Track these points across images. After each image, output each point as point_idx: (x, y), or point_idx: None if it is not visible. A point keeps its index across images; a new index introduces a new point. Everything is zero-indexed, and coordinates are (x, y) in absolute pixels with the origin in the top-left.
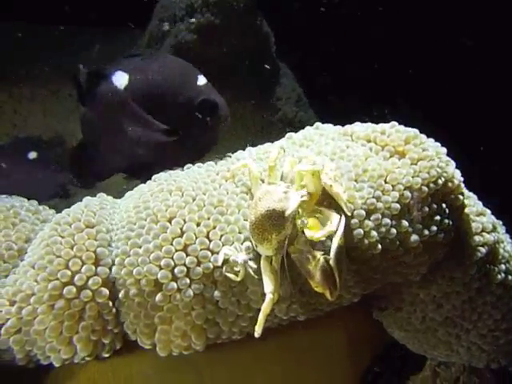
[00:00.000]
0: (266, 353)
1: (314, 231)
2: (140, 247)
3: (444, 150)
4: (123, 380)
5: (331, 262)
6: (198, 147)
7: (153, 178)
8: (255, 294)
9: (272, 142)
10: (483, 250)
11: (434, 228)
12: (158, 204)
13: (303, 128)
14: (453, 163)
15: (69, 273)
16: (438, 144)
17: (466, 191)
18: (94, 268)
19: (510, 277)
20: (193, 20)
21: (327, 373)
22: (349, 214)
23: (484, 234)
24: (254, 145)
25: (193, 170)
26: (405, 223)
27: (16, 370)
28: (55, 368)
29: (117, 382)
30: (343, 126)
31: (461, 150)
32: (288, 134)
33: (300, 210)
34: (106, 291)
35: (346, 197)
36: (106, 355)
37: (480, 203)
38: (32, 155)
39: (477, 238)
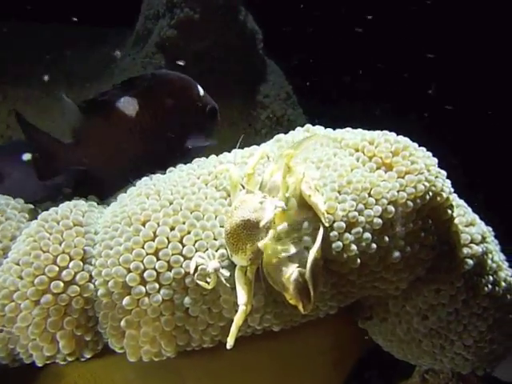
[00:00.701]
0: (252, 361)
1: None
2: (111, 249)
3: (434, 161)
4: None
5: (306, 275)
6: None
7: (136, 183)
8: (228, 302)
9: (260, 141)
10: (471, 262)
11: (417, 246)
12: (134, 207)
13: (292, 127)
14: (443, 174)
15: (56, 268)
16: (429, 154)
17: (456, 201)
18: (81, 264)
19: (497, 288)
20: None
21: (311, 379)
22: (326, 225)
23: (472, 245)
24: (241, 146)
25: (174, 172)
26: (386, 239)
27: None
28: (39, 373)
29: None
30: (332, 127)
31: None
32: (276, 137)
33: (276, 221)
34: (92, 286)
35: (325, 208)
36: (88, 356)
37: (470, 212)
38: (26, 157)
39: (465, 250)
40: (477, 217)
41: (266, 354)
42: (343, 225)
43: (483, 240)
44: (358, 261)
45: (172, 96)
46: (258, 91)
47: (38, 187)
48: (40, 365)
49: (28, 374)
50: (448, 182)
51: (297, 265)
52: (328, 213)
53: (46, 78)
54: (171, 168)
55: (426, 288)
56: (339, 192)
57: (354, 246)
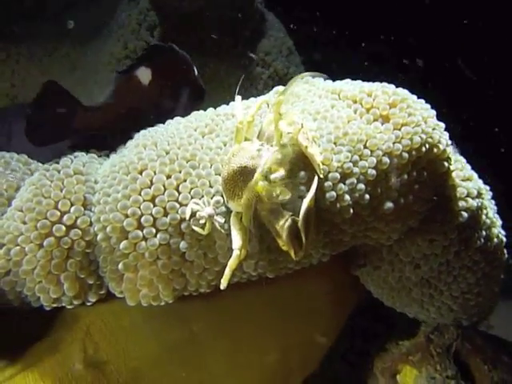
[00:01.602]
0: (254, 304)
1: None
2: (109, 196)
3: (433, 112)
4: (116, 330)
5: (299, 223)
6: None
7: (134, 135)
8: (222, 248)
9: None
10: (465, 215)
11: (411, 197)
12: (132, 157)
13: None
14: (441, 127)
15: (58, 213)
16: (428, 106)
17: (454, 155)
18: (82, 209)
19: (489, 243)
20: None
21: (311, 321)
22: (321, 176)
23: (468, 199)
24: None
25: (172, 124)
26: (379, 190)
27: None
28: (53, 321)
29: (109, 332)
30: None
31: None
32: (275, 89)
33: (273, 168)
34: (93, 231)
35: (321, 158)
36: (93, 299)
37: (468, 167)
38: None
39: (460, 203)
40: (475, 173)
41: (267, 296)
42: (337, 175)
43: (479, 195)
44: (351, 211)
45: (175, 73)
46: (258, 48)
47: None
48: (48, 307)
49: (43, 323)
50: (446, 135)
51: (290, 213)
52: (323, 164)
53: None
54: (169, 121)
55: (420, 238)
56: (335, 143)
57: (347, 197)
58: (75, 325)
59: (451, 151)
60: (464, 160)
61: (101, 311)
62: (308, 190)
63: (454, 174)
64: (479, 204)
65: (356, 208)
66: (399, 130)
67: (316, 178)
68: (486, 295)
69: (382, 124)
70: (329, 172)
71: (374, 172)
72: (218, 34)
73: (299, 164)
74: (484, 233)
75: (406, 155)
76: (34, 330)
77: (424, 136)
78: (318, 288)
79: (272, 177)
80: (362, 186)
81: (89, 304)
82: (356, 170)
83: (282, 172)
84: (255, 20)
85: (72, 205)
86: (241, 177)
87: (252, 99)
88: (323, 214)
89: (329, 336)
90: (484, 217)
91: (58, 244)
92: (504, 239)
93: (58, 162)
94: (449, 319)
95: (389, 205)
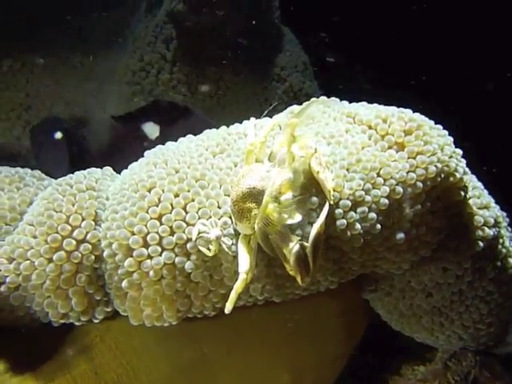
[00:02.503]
0: (266, 325)
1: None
2: (117, 213)
3: (450, 139)
4: (127, 350)
5: (307, 248)
6: None
7: (145, 153)
8: (229, 270)
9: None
10: (481, 244)
11: (424, 228)
12: (142, 175)
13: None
14: (458, 154)
15: (69, 227)
16: (445, 133)
17: (472, 182)
18: (93, 224)
19: (503, 274)
20: None
21: (324, 343)
22: (332, 202)
23: (484, 228)
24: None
25: (183, 142)
26: (392, 220)
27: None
28: (65, 339)
29: (120, 352)
30: (348, 100)
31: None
32: (289, 108)
33: (282, 190)
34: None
35: (333, 185)
36: (100, 316)
37: (486, 195)
38: (58, 135)
39: (476, 232)
40: (492, 200)
41: (279, 316)
42: (349, 203)
43: (496, 224)
44: (361, 240)
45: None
46: (274, 63)
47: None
48: (56, 323)
49: (54, 341)
50: (463, 163)
51: (299, 238)
52: (335, 190)
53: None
54: (181, 138)
55: (434, 266)
56: (348, 170)
57: (358, 225)
58: (86, 344)
59: (468, 179)
60: (482, 187)
61: (111, 330)
62: (318, 216)
63: (471, 202)
64: (495, 233)
65: (366, 237)
66: (414, 158)
67: (327, 204)
68: (498, 325)
69: (397, 152)
70: (340, 199)
71: (386, 201)
72: (235, 48)
73: (311, 189)
74: (499, 263)
75: (420, 185)
76: (44, 349)
77: (440, 165)
78: (330, 310)
79: (282, 198)
80: (373, 215)
81: (96, 321)
82: (368, 198)
83: (291, 194)
84: (272, 35)
85: (83, 220)
86: (250, 198)
87: (265, 119)
88: (333, 241)
89: (341, 358)
90: (500, 246)
91: (68, 258)
92: None
93: (71, 177)
94: (456, 347)
95: (400, 235)
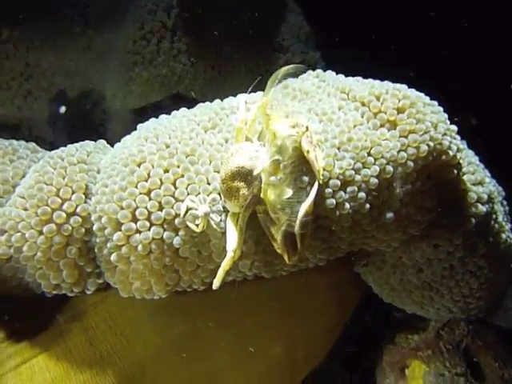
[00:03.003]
0: (257, 300)
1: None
2: (107, 187)
3: (444, 116)
4: (121, 322)
5: (295, 228)
6: None
7: (138, 126)
8: (217, 246)
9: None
10: (473, 221)
11: (413, 208)
12: (132, 149)
13: None
14: (452, 131)
15: (59, 200)
16: (439, 109)
17: (467, 158)
18: (83, 197)
19: (495, 249)
20: None
21: (314, 316)
22: (321, 182)
23: (478, 204)
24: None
25: (176, 116)
26: (381, 199)
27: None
28: (63, 312)
29: (114, 323)
30: (347, 74)
31: None
32: (284, 82)
33: (271, 170)
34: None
35: (323, 164)
36: (92, 288)
37: (481, 170)
38: (62, 110)
39: (469, 209)
40: (487, 175)
41: (270, 290)
42: (338, 183)
43: (490, 200)
44: (350, 219)
45: None
46: (276, 33)
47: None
48: (49, 294)
49: (50, 311)
50: (457, 139)
51: (287, 217)
52: (325, 170)
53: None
54: (175, 112)
55: (425, 242)
56: (339, 149)
57: (347, 205)
58: (81, 315)
59: (463, 155)
60: (477, 162)
61: (106, 302)
62: (308, 195)
63: (465, 178)
64: (489, 209)
65: (355, 217)
66: (406, 137)
67: (316, 183)
68: (488, 299)
69: (389, 130)
70: (330, 178)
71: (376, 181)
72: (237, 18)
73: (301, 168)
74: (491, 239)
75: (411, 164)
76: (40, 318)
77: (432, 143)
78: (320, 284)
79: (271, 179)
80: (363, 194)
81: (89, 292)
82: (358, 177)
83: (275, 177)
84: (275, 5)
85: (73, 193)
86: (238, 177)
87: (258, 93)
88: (322, 220)
89: (333, 330)
90: (493, 222)
91: (59, 231)
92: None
93: (63, 150)
94: (445, 318)
95: (389, 215)
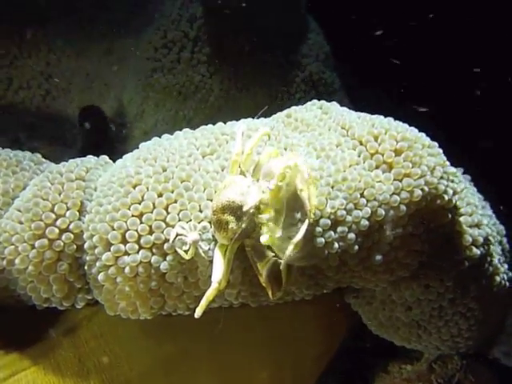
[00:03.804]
0: (246, 322)
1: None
2: (101, 206)
3: (443, 160)
4: (111, 339)
5: (281, 266)
6: None
7: (140, 145)
8: (204, 274)
9: (294, 104)
10: (466, 263)
11: (403, 251)
12: (130, 170)
13: (327, 92)
14: (450, 174)
15: (53, 215)
16: (438, 152)
17: (466, 198)
18: (78, 214)
19: (487, 292)
20: None
21: (302, 344)
22: (311, 221)
23: (472, 247)
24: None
25: (178, 138)
26: (371, 241)
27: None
28: (55, 326)
29: (105, 341)
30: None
31: None
32: (288, 111)
33: (261, 206)
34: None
35: (315, 202)
36: (81, 303)
37: (479, 211)
38: (87, 125)
39: (463, 252)
40: (489, 214)
41: (259, 316)
42: (329, 222)
43: (485, 242)
44: (338, 259)
45: None
46: (296, 51)
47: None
48: (39, 307)
49: (41, 324)
50: (456, 181)
51: (273, 254)
52: (317, 208)
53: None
54: (177, 132)
55: (416, 283)
56: (333, 187)
57: (336, 245)
58: (73, 329)
59: (462, 196)
60: (477, 202)
61: (98, 317)
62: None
63: (461, 220)
64: (483, 252)
65: (343, 256)
66: (400, 181)
67: (306, 221)
68: (478, 339)
69: (384, 172)
70: (321, 217)
71: (366, 223)
72: (259, 32)
73: (294, 204)
74: (484, 281)
75: (403, 208)
76: (32, 331)
77: (427, 188)
78: (311, 311)
79: (259, 217)
80: (352, 235)
81: (78, 307)
82: (349, 218)
83: (266, 215)
84: (297, 22)
85: (68, 209)
86: (228, 211)
87: (257, 122)
88: None
89: (321, 358)
90: (487, 265)
91: (50, 246)
92: (507, 285)
93: (64, 165)
94: (434, 355)
95: (378, 257)
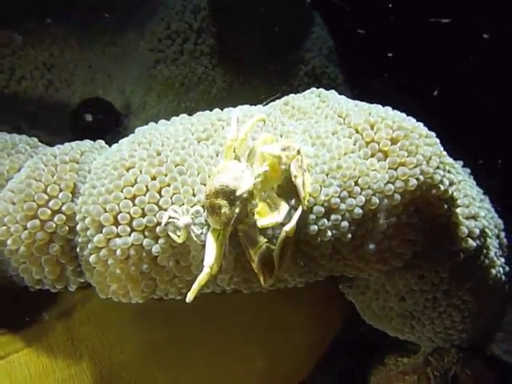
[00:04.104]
0: (240, 309)
1: (259, 217)
2: (95, 188)
3: (439, 149)
4: (104, 323)
5: (274, 252)
6: None
7: (136, 129)
8: (196, 258)
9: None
10: (462, 255)
11: (396, 241)
12: (124, 153)
13: (330, 86)
14: (447, 164)
15: (45, 196)
16: (435, 141)
17: (463, 190)
18: (70, 196)
19: (482, 285)
20: None
21: (297, 331)
22: (305, 207)
23: (468, 239)
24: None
25: (174, 123)
26: (364, 230)
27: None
28: (50, 311)
29: (98, 324)
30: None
31: None
32: (286, 98)
33: (254, 192)
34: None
35: (309, 190)
36: (74, 286)
37: (477, 204)
38: (89, 118)
39: (458, 243)
40: (487, 207)
41: (253, 302)
42: (322, 210)
43: (482, 235)
44: (331, 247)
45: None
46: (299, 44)
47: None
48: (32, 289)
49: (36, 305)
50: (453, 172)
51: (266, 240)
52: (311, 196)
53: None
54: (174, 118)
55: (410, 273)
56: (327, 175)
57: (329, 233)
58: (67, 312)
59: (460, 187)
60: (474, 195)
61: (92, 301)
62: (290, 219)
63: (458, 211)
64: (479, 244)
65: (336, 245)
66: (395, 169)
67: (300, 208)
68: (471, 332)
69: (379, 160)
70: (315, 204)
71: (360, 211)
72: (263, 25)
73: (288, 190)
74: (479, 274)
75: (397, 197)
76: (26, 312)
77: (422, 177)
78: (306, 297)
79: (252, 202)
80: (345, 223)
81: (71, 289)
82: (343, 206)
83: (256, 201)
84: (301, 16)
85: (61, 191)
86: (221, 195)
87: (252, 109)
88: (302, 245)
89: (317, 346)
90: (482, 257)
91: (42, 227)
92: (503, 278)
93: (58, 148)
94: (429, 347)
95: (371, 246)
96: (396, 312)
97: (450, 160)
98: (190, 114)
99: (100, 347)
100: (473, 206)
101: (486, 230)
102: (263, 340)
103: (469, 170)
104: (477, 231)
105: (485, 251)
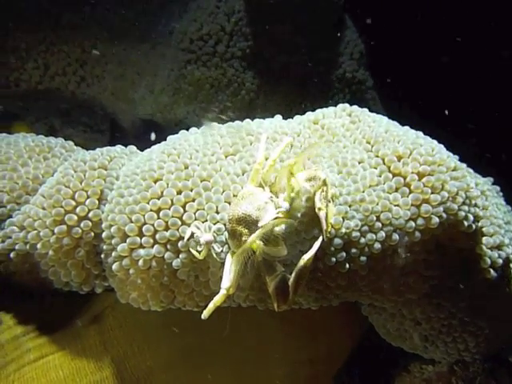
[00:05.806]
0: (266, 318)
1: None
2: (122, 197)
3: (467, 183)
4: (134, 328)
5: (291, 279)
6: None
7: (168, 137)
8: (215, 275)
9: (324, 103)
10: (482, 286)
11: (413, 277)
12: (153, 164)
13: (359, 90)
14: (474, 198)
15: (73, 203)
16: (463, 175)
17: (491, 218)
18: (97, 203)
19: (500, 313)
20: None
21: (320, 339)
22: (325, 239)
23: (490, 270)
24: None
25: (206, 135)
26: (381, 265)
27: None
28: (83, 314)
29: (128, 329)
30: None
31: None
32: (315, 116)
33: (278, 222)
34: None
35: (332, 221)
36: (99, 289)
37: (503, 232)
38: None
39: (480, 275)
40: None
41: (276, 317)
42: (342, 242)
43: (506, 264)
44: (347, 279)
45: None
46: (331, 48)
47: None
48: (61, 290)
49: (70, 308)
50: (477, 207)
51: (283, 269)
52: (332, 227)
53: None
54: (205, 127)
55: (428, 301)
56: (350, 206)
57: (346, 265)
58: (99, 316)
59: (488, 213)
60: (499, 222)
61: (121, 307)
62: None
63: (483, 241)
64: (500, 274)
65: (352, 277)
66: (418, 207)
67: (319, 239)
68: (485, 353)
69: (403, 196)
70: (335, 236)
71: (379, 246)
72: (296, 29)
73: (311, 220)
74: (500, 302)
75: (418, 235)
76: (60, 316)
77: (445, 215)
78: (325, 310)
79: (274, 231)
80: (363, 258)
81: (98, 292)
82: (363, 240)
83: (282, 227)
84: (334, 21)
85: (88, 197)
86: (243, 223)
87: (283, 124)
88: (319, 274)
89: (338, 354)
90: (504, 286)
91: (69, 232)
92: None
93: (90, 153)
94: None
95: (387, 281)
96: (410, 334)
97: (476, 193)
98: (219, 117)
99: (130, 352)
100: (498, 234)
101: (510, 257)
102: (286, 348)
103: (498, 188)
104: (500, 262)
105: (506, 280)
